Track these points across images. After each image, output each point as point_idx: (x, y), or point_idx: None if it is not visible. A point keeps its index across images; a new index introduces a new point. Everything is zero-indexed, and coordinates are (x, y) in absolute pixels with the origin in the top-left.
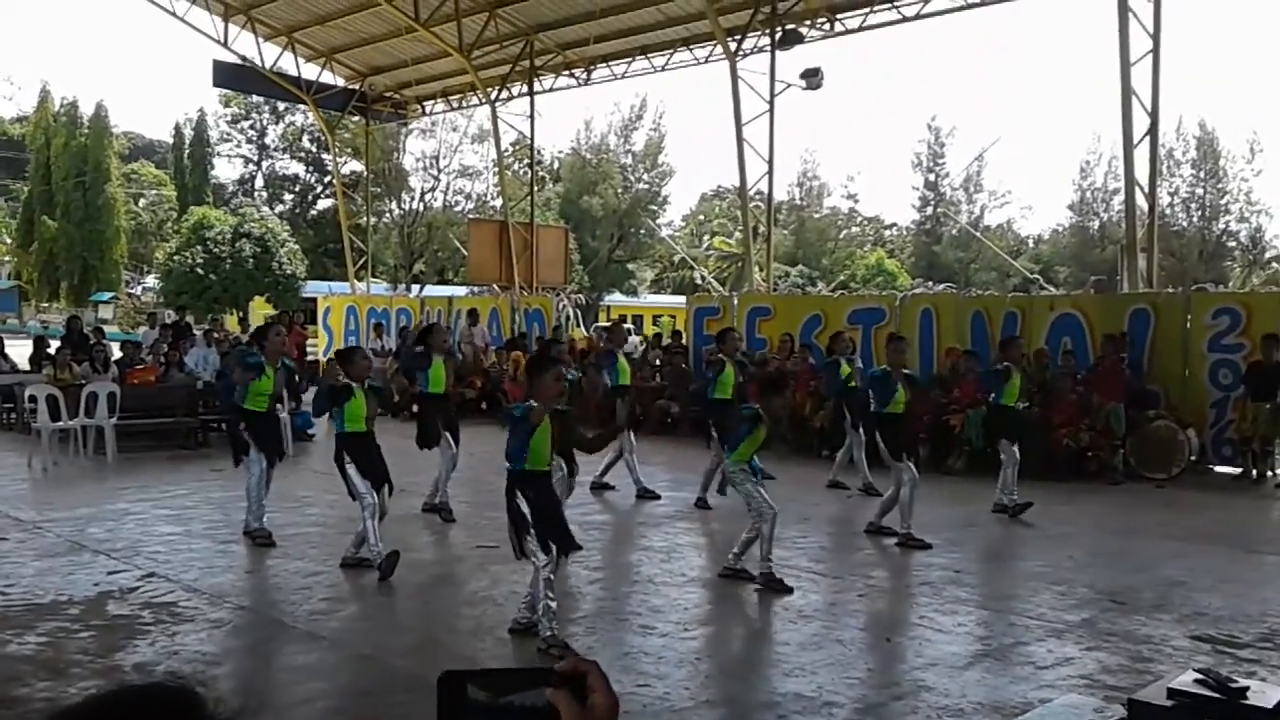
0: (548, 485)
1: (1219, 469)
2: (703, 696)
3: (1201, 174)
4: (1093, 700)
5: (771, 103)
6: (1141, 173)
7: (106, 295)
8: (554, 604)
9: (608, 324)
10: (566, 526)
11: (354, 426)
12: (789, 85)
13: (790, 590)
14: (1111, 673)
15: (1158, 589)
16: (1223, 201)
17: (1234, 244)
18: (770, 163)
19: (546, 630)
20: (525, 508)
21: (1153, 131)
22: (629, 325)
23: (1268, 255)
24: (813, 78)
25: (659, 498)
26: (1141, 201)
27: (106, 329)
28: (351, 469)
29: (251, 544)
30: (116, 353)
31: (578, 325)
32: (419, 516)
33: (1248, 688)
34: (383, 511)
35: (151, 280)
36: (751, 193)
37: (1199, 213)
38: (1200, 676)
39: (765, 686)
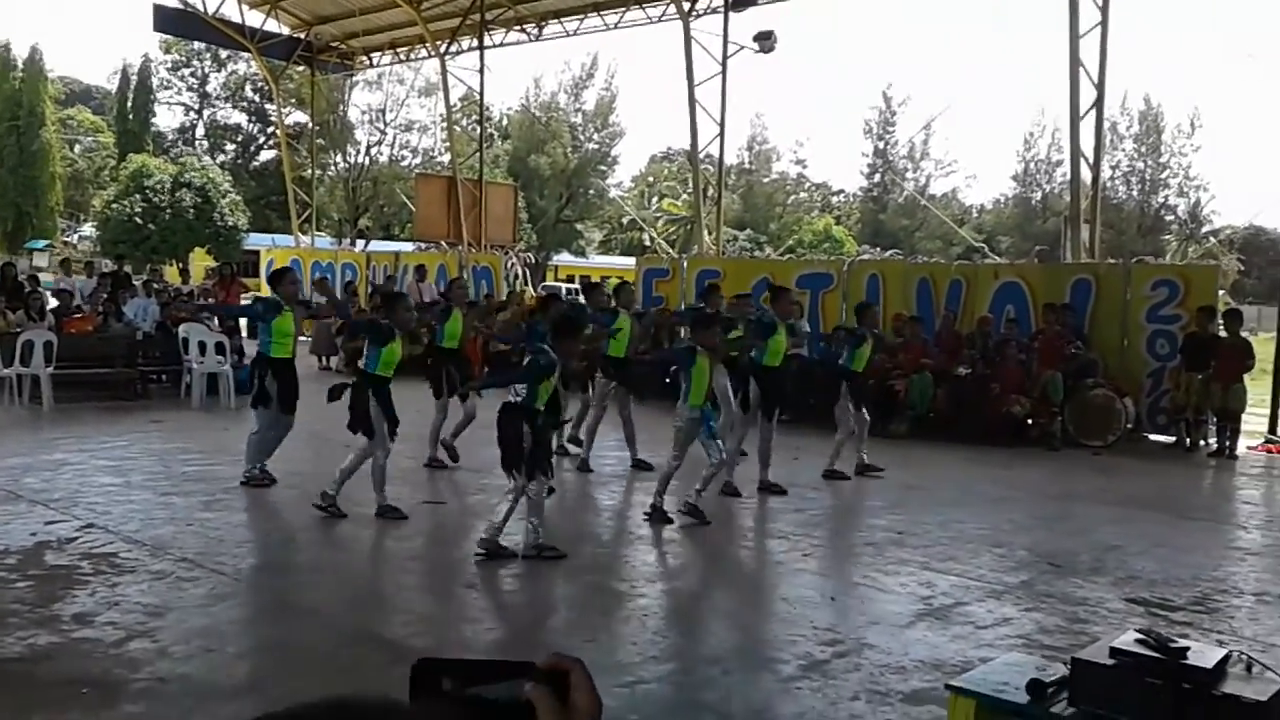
0: (542, 422)
1: (1153, 437)
2: (649, 652)
3: (1143, 148)
4: (1034, 659)
5: (724, 64)
6: (1086, 145)
7: (41, 243)
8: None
9: (594, 282)
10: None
11: (385, 371)
12: (742, 48)
13: (708, 522)
14: (1049, 633)
15: (1094, 553)
16: (1163, 176)
17: (1172, 218)
18: (721, 125)
19: (534, 538)
20: (528, 438)
21: (1098, 104)
22: (573, 285)
23: (1204, 230)
24: (765, 41)
25: (567, 454)
26: (1085, 173)
27: (41, 277)
28: (375, 412)
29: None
30: (52, 301)
31: (525, 284)
32: (364, 474)
33: (1188, 648)
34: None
35: (88, 229)
36: (701, 155)
37: (1139, 186)
38: (1141, 637)
39: (710, 642)
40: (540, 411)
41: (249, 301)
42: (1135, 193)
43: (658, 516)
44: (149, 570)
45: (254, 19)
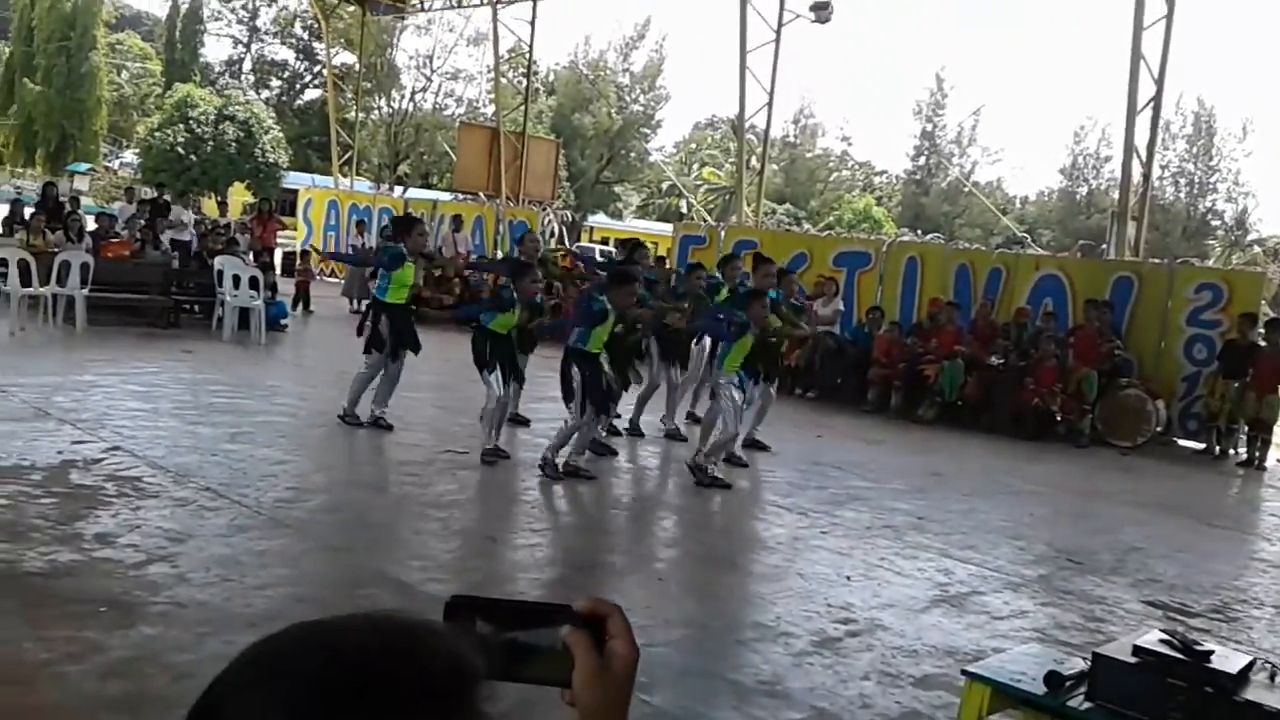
0: (597, 364)
1: (1183, 442)
2: (663, 616)
3: (1195, 150)
4: (1052, 651)
5: (778, 32)
6: (1140, 140)
7: (83, 166)
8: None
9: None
10: (610, 392)
11: (498, 328)
12: (797, 16)
13: (729, 486)
14: (1064, 629)
15: (1115, 552)
16: (1212, 180)
17: (1218, 223)
18: (771, 95)
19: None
20: (577, 379)
21: (1157, 100)
22: (609, 248)
23: (1250, 237)
24: (822, 11)
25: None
26: (1136, 170)
27: (82, 200)
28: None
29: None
30: (91, 224)
31: (561, 242)
32: (391, 419)
33: (1212, 651)
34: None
35: (130, 155)
36: (747, 125)
37: (1187, 188)
38: (1165, 637)
39: (725, 612)
40: (592, 356)
41: (375, 248)
42: (1183, 195)
43: (715, 483)
44: (172, 496)
45: None
